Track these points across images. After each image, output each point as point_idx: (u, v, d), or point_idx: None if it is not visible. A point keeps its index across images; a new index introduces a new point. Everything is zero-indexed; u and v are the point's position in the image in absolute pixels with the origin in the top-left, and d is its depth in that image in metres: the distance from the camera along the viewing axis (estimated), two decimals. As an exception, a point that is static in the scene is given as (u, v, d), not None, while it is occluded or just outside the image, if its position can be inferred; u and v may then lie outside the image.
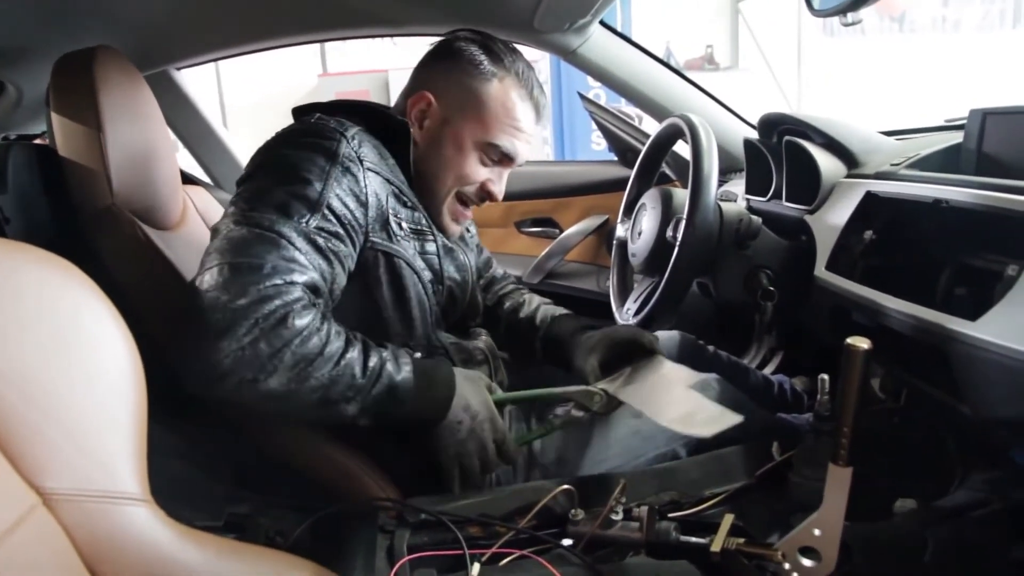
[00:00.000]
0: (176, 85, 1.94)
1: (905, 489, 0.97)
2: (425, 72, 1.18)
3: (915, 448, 1.10)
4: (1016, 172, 0.99)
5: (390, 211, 1.06)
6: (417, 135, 1.15)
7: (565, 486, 0.93)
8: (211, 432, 1.06)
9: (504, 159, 1.16)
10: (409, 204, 1.10)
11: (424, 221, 1.13)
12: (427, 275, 1.11)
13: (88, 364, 0.68)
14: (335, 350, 0.90)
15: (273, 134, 1.06)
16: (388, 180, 1.07)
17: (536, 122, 1.17)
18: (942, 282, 1.04)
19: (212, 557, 0.72)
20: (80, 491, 0.64)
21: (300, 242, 0.91)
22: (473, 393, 1.02)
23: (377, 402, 0.93)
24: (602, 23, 1.79)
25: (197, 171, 2.09)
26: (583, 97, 2.25)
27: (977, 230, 0.99)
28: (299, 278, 0.89)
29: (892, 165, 1.18)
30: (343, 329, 0.94)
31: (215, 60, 1.97)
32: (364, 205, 1.01)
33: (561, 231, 2.19)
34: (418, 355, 1.04)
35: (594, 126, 2.58)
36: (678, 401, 1.03)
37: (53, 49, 1.16)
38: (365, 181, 1.01)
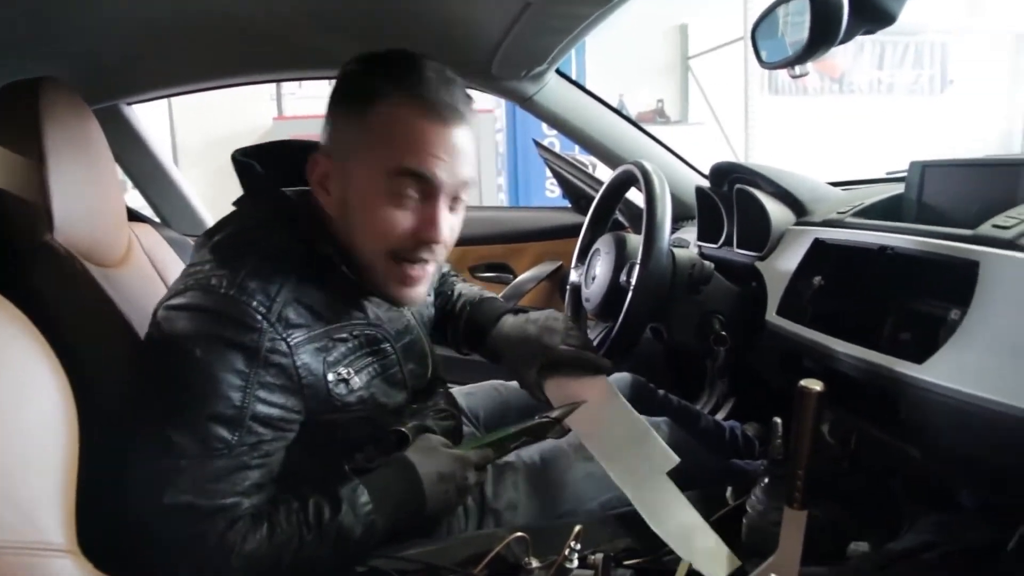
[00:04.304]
0: (126, 120, 1.91)
1: (858, 533, 0.98)
2: (323, 132, 0.99)
3: (865, 492, 1.11)
4: (954, 220, 1.03)
5: (329, 378, 0.95)
6: (328, 204, 0.97)
7: (518, 533, 0.90)
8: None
9: (425, 188, 0.93)
10: (356, 333, 0.99)
11: (371, 331, 1.01)
12: (389, 400, 1.04)
13: (12, 405, 0.64)
14: (290, 552, 0.88)
15: (184, 305, 0.91)
16: (325, 328, 0.96)
17: (445, 126, 0.92)
18: (888, 327, 1.06)
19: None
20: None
21: (226, 472, 0.87)
22: (436, 463, 1.00)
23: (360, 548, 0.93)
24: (558, 72, 1.83)
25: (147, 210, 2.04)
26: (538, 144, 2.27)
27: (920, 276, 1.02)
28: (233, 501, 0.87)
29: (839, 213, 1.22)
30: (289, 508, 0.91)
31: (167, 96, 1.94)
32: (298, 391, 0.92)
33: (515, 276, 2.19)
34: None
35: (548, 173, 2.61)
36: (638, 448, 1.05)
37: (-2, 79, 1.13)
38: (296, 365, 0.91)
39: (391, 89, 0.92)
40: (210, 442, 0.85)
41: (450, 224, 0.97)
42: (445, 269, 1.40)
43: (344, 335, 0.98)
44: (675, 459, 1.04)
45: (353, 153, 0.94)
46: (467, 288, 1.36)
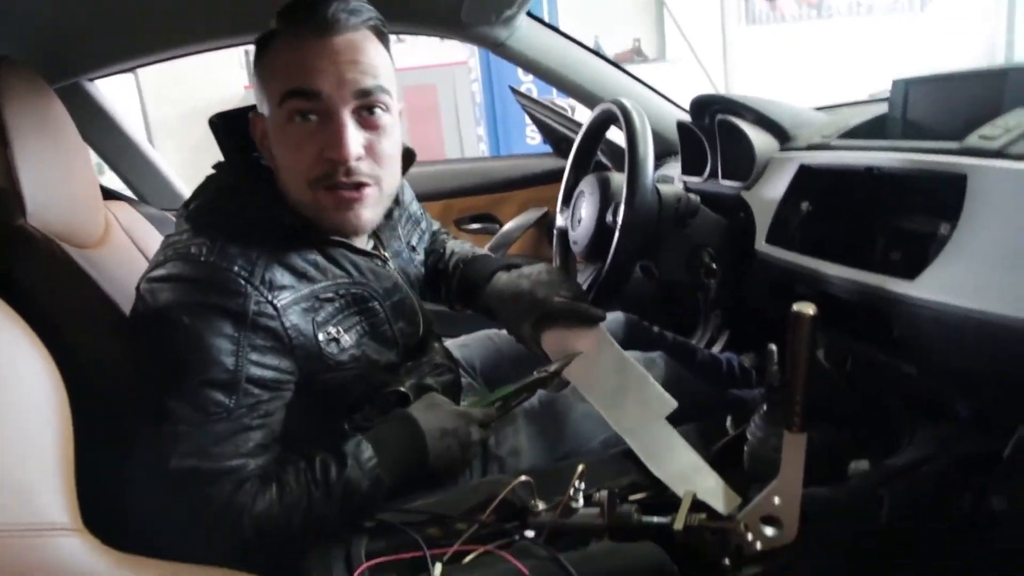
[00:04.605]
0: (90, 97, 1.85)
1: (857, 453, 0.99)
2: None
3: (863, 412, 1.12)
4: (940, 135, 1.02)
5: (320, 337, 0.95)
6: (271, 162, 0.98)
7: (523, 478, 0.91)
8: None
9: (319, 106, 0.90)
10: (343, 292, 0.99)
11: (357, 289, 1.00)
12: (382, 357, 1.03)
13: (2, 391, 0.63)
14: (300, 512, 0.89)
15: (167, 276, 0.90)
16: (311, 288, 0.95)
17: (328, 38, 0.90)
18: (878, 247, 1.06)
19: (156, 583, 0.68)
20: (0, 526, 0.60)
21: (228, 434, 0.87)
22: (439, 418, 1.01)
23: (367, 503, 0.93)
24: (529, 14, 1.79)
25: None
26: (515, 91, 2.24)
27: (909, 193, 1.01)
28: (238, 463, 0.87)
29: (823, 137, 1.20)
30: (297, 468, 0.92)
31: (130, 69, 1.88)
32: (290, 352, 0.92)
33: (501, 226, 2.17)
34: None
35: (528, 120, 2.57)
36: (634, 395, 1.06)
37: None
38: (285, 326, 0.91)
39: (281, 29, 0.93)
40: (208, 407, 0.86)
41: (364, 139, 0.93)
42: (435, 227, 1.39)
43: (330, 295, 0.97)
44: (672, 403, 1.05)
45: (261, 101, 0.95)
46: (459, 245, 1.36)
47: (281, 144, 0.94)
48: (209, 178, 1.03)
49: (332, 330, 0.96)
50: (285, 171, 0.96)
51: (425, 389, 1.09)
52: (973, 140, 0.90)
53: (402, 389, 1.06)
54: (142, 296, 0.91)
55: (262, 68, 0.95)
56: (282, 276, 0.92)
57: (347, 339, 0.98)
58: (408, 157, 1.08)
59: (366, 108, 0.93)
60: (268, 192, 0.98)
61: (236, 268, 0.89)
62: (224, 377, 0.86)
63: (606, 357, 1.11)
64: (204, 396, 0.86)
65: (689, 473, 0.96)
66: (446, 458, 1.00)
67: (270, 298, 0.90)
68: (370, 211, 0.98)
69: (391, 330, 1.05)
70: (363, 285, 1.02)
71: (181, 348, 0.87)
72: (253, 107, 1.01)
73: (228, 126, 1.03)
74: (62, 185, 1.12)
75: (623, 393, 1.08)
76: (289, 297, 0.92)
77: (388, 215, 1.13)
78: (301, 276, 0.95)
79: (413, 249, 1.22)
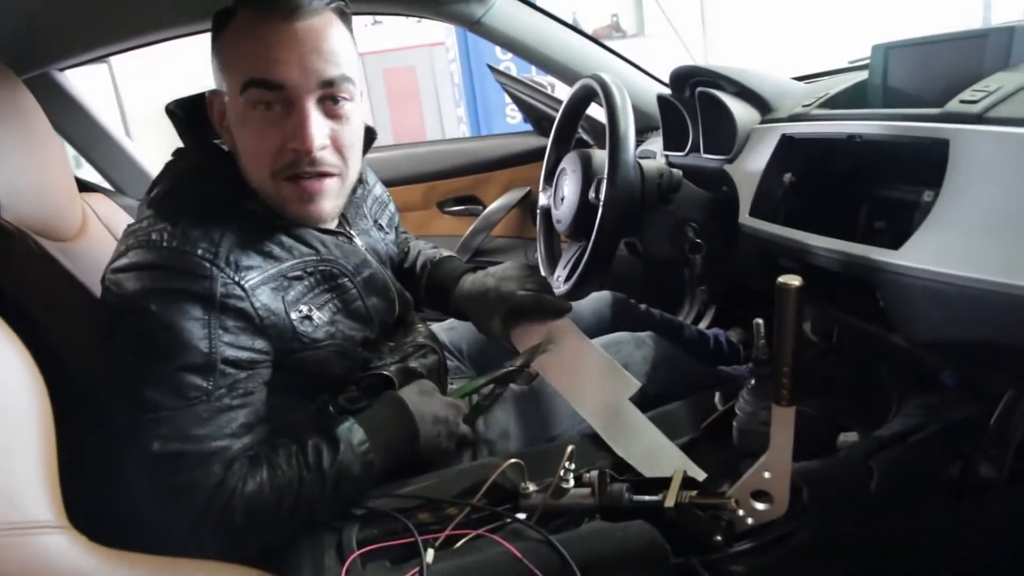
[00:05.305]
0: (61, 87, 1.81)
1: (846, 424, 0.99)
2: None
3: (851, 383, 1.12)
4: (922, 101, 1.01)
5: (292, 316, 0.93)
6: (229, 143, 0.96)
7: (513, 460, 0.90)
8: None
9: (283, 95, 0.89)
10: (311, 270, 0.97)
11: (325, 266, 0.99)
12: (358, 334, 1.02)
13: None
14: (291, 494, 0.89)
15: (130, 265, 0.88)
16: (278, 267, 0.93)
17: (291, 24, 0.87)
18: (862, 217, 1.06)
19: (146, 576, 0.68)
20: (-16, 526, 0.59)
21: (210, 416, 0.86)
22: (431, 405, 1.02)
23: (358, 487, 0.93)
24: (504, -10, 1.76)
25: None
26: (493, 69, 2.21)
27: (891, 161, 1.01)
28: (223, 443, 0.86)
29: (804, 107, 1.19)
30: (288, 451, 0.91)
31: (102, 57, 1.84)
32: (262, 332, 0.90)
33: (484, 207, 2.16)
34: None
35: (508, 99, 2.55)
36: (598, 380, 1.08)
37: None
38: (255, 307, 0.89)
39: (238, 8, 0.90)
40: (187, 392, 0.85)
41: (328, 128, 0.92)
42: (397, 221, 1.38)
43: (298, 273, 0.96)
44: (636, 384, 1.07)
45: (220, 82, 0.93)
46: (425, 246, 1.36)
47: (242, 132, 0.92)
48: (168, 164, 1.01)
49: (304, 308, 0.95)
50: (247, 158, 0.94)
51: (410, 372, 1.09)
52: (954, 105, 0.89)
53: (386, 373, 1.05)
54: (108, 288, 0.90)
55: (221, 49, 0.92)
56: (247, 257, 0.91)
57: (320, 316, 0.97)
58: (369, 136, 1.06)
59: (330, 98, 0.91)
60: (229, 176, 0.96)
61: (200, 251, 0.87)
62: (199, 360, 0.85)
63: (572, 346, 1.13)
64: (181, 381, 0.85)
65: (656, 453, 0.97)
66: (433, 445, 1.01)
67: (237, 279, 0.88)
68: (332, 202, 0.97)
69: (364, 306, 1.04)
70: (331, 262, 1.00)
71: (153, 336, 0.85)
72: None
73: (186, 111, 1.01)
74: (35, 178, 1.10)
75: (589, 379, 1.09)
76: (256, 277, 0.90)
77: (352, 192, 1.11)
78: (267, 256, 0.93)
79: (381, 228, 1.21)
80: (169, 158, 1.02)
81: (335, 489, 0.91)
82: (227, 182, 0.96)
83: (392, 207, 1.29)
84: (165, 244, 0.87)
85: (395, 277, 1.15)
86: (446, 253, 1.32)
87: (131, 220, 1.33)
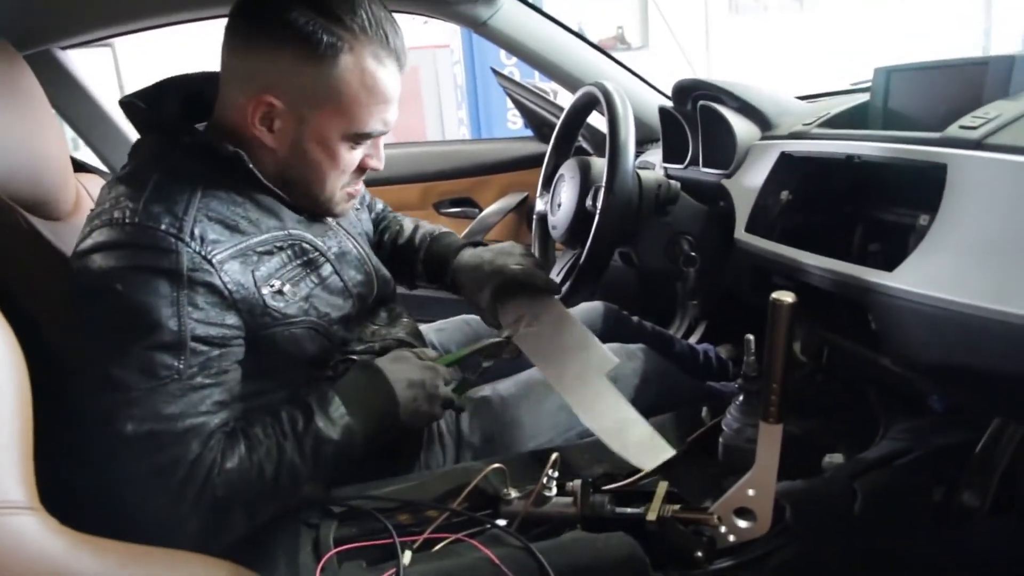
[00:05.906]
0: (61, 66, 1.79)
1: (832, 446, 0.99)
2: (250, 64, 0.92)
3: (839, 404, 1.12)
4: (921, 125, 1.01)
5: (263, 291, 0.92)
6: (271, 141, 0.95)
7: (496, 465, 0.90)
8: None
9: (379, 136, 1.00)
10: (281, 246, 0.97)
11: (295, 242, 0.98)
12: (334, 309, 1.01)
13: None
14: (271, 464, 0.88)
15: (94, 247, 0.86)
16: (246, 242, 0.92)
17: (400, 72, 0.96)
18: (858, 238, 1.06)
19: (114, 564, 0.66)
20: (-44, 505, 0.58)
21: (182, 394, 0.84)
22: (405, 369, 1.00)
23: (340, 455, 0.92)
24: (512, -6, 1.76)
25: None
26: (497, 73, 2.21)
27: (889, 184, 1.01)
28: (199, 421, 0.85)
29: (804, 125, 1.19)
30: (264, 422, 0.90)
31: (105, 38, 1.82)
32: (232, 307, 0.89)
33: (480, 210, 2.15)
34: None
35: (510, 103, 2.55)
36: (576, 355, 1.07)
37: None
38: (224, 281, 0.88)
39: (363, 43, 0.91)
40: (158, 371, 0.83)
41: None
42: (380, 205, 1.39)
43: (268, 248, 0.95)
44: (614, 360, 1.05)
45: (316, 109, 0.93)
46: (423, 222, 1.35)
47: (330, 161, 0.97)
48: (134, 146, 1.00)
49: (276, 283, 0.94)
50: (320, 175, 0.98)
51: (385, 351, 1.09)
52: (953, 130, 0.89)
53: (354, 358, 1.05)
54: (75, 272, 0.88)
55: (331, 75, 0.91)
56: (212, 230, 0.89)
57: (294, 291, 0.96)
58: None
59: None
60: (226, 162, 0.95)
61: (163, 226, 0.85)
62: (169, 339, 0.84)
63: (555, 320, 1.11)
64: (152, 360, 0.83)
65: (623, 426, 0.96)
66: (413, 409, 0.99)
67: (204, 253, 0.87)
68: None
69: (341, 279, 1.04)
70: (299, 237, 0.99)
71: (120, 316, 0.83)
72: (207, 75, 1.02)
73: (159, 97, 1.00)
74: (30, 155, 1.08)
75: (566, 351, 1.07)
76: (223, 251, 0.89)
77: None
78: (233, 229, 0.92)
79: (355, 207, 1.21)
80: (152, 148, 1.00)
81: (315, 454, 0.90)
82: (190, 157, 0.94)
83: (365, 193, 1.31)
84: (127, 221, 0.86)
85: (373, 253, 1.16)
86: (444, 229, 1.31)
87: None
